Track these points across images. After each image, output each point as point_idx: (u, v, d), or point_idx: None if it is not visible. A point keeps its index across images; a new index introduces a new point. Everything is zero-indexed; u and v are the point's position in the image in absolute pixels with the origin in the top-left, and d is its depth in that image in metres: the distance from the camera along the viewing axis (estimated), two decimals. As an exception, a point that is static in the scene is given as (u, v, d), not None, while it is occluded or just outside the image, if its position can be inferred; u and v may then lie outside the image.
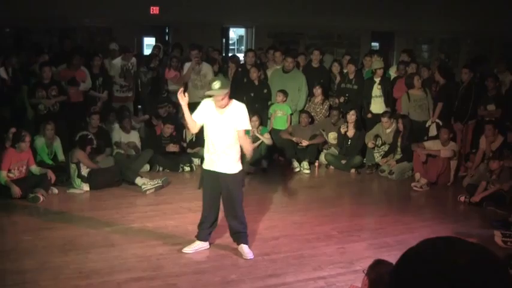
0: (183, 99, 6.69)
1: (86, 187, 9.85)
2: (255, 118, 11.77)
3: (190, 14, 17.39)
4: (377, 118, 12.14)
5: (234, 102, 6.76)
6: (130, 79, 13.03)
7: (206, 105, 6.77)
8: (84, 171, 9.91)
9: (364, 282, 4.00)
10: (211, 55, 14.20)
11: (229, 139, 6.70)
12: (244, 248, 7.00)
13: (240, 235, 7.03)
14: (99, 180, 9.96)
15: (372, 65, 12.80)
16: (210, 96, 6.67)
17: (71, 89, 11.82)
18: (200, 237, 7.13)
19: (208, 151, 6.85)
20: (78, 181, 9.85)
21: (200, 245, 7.11)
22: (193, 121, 6.82)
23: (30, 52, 13.17)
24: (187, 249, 7.07)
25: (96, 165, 10.24)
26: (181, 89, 6.92)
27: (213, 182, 6.87)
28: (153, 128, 12.02)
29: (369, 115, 12.54)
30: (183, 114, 7.25)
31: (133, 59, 13.32)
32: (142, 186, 9.77)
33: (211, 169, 6.84)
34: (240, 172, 6.86)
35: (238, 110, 6.70)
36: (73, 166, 9.90)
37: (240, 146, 6.85)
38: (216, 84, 6.49)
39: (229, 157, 6.73)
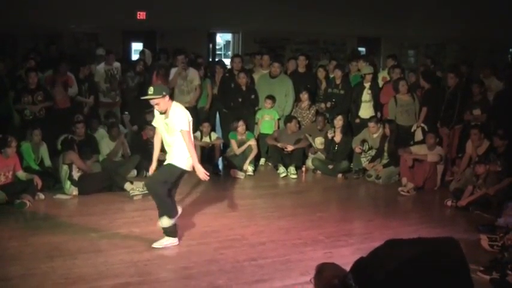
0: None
1: (74, 191, 9.82)
2: (240, 123, 11.81)
3: (177, 19, 17.41)
4: (365, 123, 12.13)
5: (173, 105, 7.22)
6: (116, 84, 13.00)
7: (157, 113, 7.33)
8: (76, 175, 9.88)
9: None
10: (197, 61, 14.18)
11: (171, 140, 7.25)
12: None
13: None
14: (89, 184, 9.93)
15: (362, 70, 12.81)
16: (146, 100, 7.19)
17: (57, 93, 11.77)
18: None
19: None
20: (68, 184, 9.81)
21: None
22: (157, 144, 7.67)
23: (16, 58, 13.12)
24: (157, 245, 7.44)
25: (89, 167, 10.24)
26: None
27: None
28: (139, 133, 11.97)
29: (357, 120, 12.54)
30: None
31: (118, 64, 13.27)
32: (130, 192, 9.76)
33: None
34: (177, 167, 7.24)
35: (174, 113, 7.14)
36: (65, 168, 9.85)
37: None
38: (150, 90, 7.05)
39: (173, 153, 7.27)
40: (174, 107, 7.16)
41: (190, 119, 7.26)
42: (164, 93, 7.04)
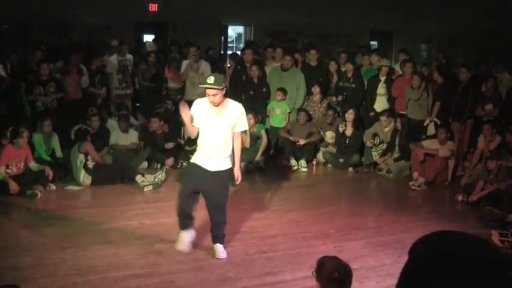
0: (185, 113, 6.60)
1: (88, 180, 9.85)
2: (249, 116, 11.74)
3: (189, 11, 17.37)
4: (378, 116, 12.10)
5: (231, 102, 6.67)
6: (128, 76, 13.00)
7: (200, 106, 6.67)
8: (90, 164, 9.93)
9: (317, 287, 4.01)
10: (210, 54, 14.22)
11: (225, 140, 6.65)
12: (219, 247, 6.96)
13: (219, 233, 6.98)
14: (102, 175, 9.98)
15: (380, 63, 12.76)
16: (204, 89, 6.55)
17: (69, 84, 11.80)
18: (183, 226, 7.03)
19: (203, 152, 6.74)
20: (82, 173, 9.84)
21: (185, 235, 7.01)
22: (194, 128, 6.72)
23: (28, 49, 13.17)
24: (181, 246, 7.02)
25: (102, 159, 10.27)
26: (184, 105, 6.83)
27: (200, 178, 6.75)
28: (147, 126, 12.01)
29: (372, 113, 12.49)
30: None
31: (130, 56, 13.27)
32: (141, 183, 9.79)
33: (205, 167, 6.72)
34: (230, 169, 6.82)
35: (237, 112, 6.62)
36: (81, 157, 9.88)
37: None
38: (210, 79, 6.45)
39: (224, 157, 6.69)
40: (232, 104, 6.66)
41: None
42: (224, 85, 6.51)
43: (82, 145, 10.00)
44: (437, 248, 1.65)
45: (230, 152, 6.76)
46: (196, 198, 6.91)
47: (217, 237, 6.98)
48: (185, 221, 6.95)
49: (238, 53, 15.71)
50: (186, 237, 6.96)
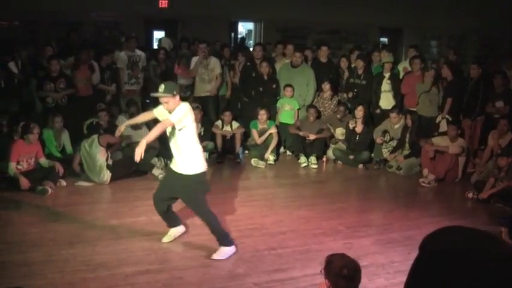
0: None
1: (108, 178, 9.86)
2: (262, 112, 11.77)
3: (199, 7, 17.38)
4: (385, 113, 12.08)
5: (181, 104, 6.70)
6: (138, 71, 12.98)
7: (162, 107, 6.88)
8: (110, 161, 9.95)
9: (326, 284, 3.98)
10: (220, 52, 14.19)
11: (177, 140, 6.72)
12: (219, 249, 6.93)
13: (213, 234, 6.96)
14: (119, 170, 9.99)
15: (383, 59, 12.75)
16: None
17: (79, 80, 11.80)
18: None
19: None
20: (104, 171, 9.82)
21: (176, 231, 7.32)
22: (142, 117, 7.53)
23: (38, 45, 13.19)
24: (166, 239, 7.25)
25: (120, 139, 10.21)
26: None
27: (171, 178, 6.95)
28: (157, 121, 11.99)
29: (378, 110, 12.48)
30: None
31: (141, 53, 13.24)
32: (160, 176, 9.81)
33: (172, 167, 6.95)
34: (195, 175, 6.75)
35: (177, 108, 6.61)
36: (102, 153, 9.84)
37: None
38: (161, 87, 6.64)
39: (182, 158, 6.73)
40: (181, 105, 6.66)
41: (192, 119, 6.73)
42: (175, 92, 6.64)
43: (101, 139, 9.92)
44: (447, 243, 1.64)
45: (188, 156, 6.72)
46: (165, 200, 7.10)
47: (216, 237, 6.96)
48: None
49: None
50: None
